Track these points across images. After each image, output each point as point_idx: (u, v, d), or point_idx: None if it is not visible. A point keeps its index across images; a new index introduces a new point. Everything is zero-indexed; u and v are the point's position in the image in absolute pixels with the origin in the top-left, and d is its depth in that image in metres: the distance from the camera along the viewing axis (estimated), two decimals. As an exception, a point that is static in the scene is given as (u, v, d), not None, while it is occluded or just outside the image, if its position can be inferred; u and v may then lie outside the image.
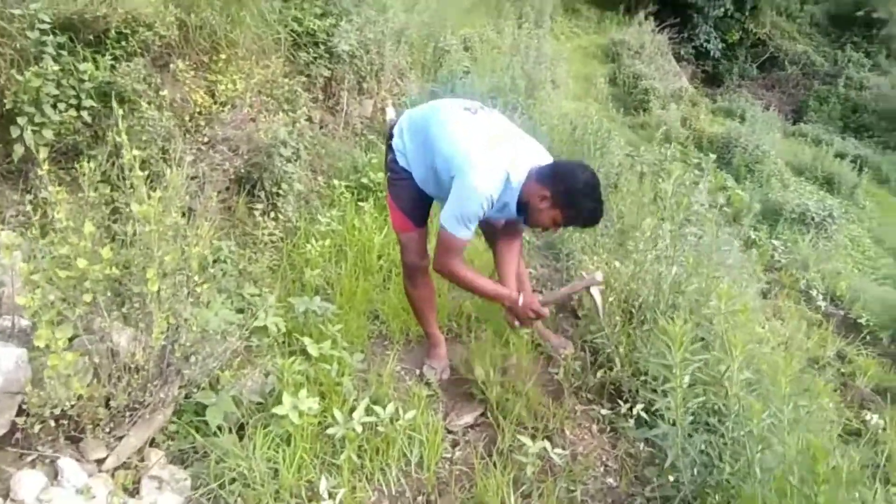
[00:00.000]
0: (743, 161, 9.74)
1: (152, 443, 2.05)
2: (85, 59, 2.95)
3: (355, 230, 3.64)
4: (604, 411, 2.67)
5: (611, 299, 2.93)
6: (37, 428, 1.76)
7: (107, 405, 1.90)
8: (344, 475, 2.11)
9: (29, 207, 2.04)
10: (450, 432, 2.51)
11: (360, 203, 3.93)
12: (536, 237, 4.20)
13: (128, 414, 1.94)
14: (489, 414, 2.56)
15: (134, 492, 1.90)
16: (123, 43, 3.11)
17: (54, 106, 2.71)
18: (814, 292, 6.07)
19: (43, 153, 1.80)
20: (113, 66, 3.01)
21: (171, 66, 3.36)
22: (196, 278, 2.09)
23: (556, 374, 2.81)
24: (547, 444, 2.28)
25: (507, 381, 2.61)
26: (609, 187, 4.78)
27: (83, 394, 1.79)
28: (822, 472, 1.57)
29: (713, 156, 6.18)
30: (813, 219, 8.13)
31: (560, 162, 2.51)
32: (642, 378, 2.60)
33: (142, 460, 1.98)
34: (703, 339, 2.40)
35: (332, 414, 2.23)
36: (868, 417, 3.28)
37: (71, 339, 1.80)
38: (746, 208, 6.90)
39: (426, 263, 2.68)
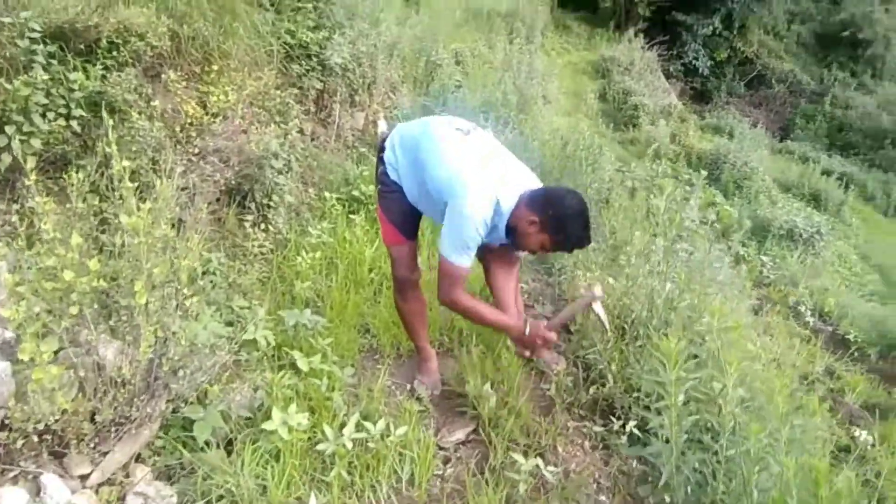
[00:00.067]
0: (731, 177, 9.86)
1: (138, 458, 2.01)
2: (75, 69, 2.93)
3: (346, 243, 3.62)
4: (596, 428, 2.65)
5: (604, 315, 2.92)
6: (20, 443, 1.73)
7: (92, 420, 1.87)
8: (334, 492, 2.08)
9: (15, 217, 2.02)
10: (441, 449, 2.48)
11: (351, 215, 3.92)
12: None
13: (113, 429, 1.90)
14: (481, 430, 2.54)
15: (118, 509, 1.85)
16: (115, 53, 3.10)
17: (43, 115, 2.67)
18: (802, 308, 6.11)
19: (31, 163, 1.79)
20: (104, 76, 2.99)
21: (163, 76, 3.34)
22: (185, 291, 2.06)
23: (548, 389, 2.79)
24: (539, 461, 2.26)
25: (500, 397, 2.59)
26: (600, 202, 4.80)
27: (68, 408, 1.76)
28: (823, 495, 1.55)
29: (704, 172, 6.23)
30: (801, 235, 8.21)
31: (550, 188, 2.52)
32: (635, 394, 2.58)
33: (127, 476, 1.94)
34: (696, 356, 2.39)
35: (322, 429, 2.19)
36: (857, 434, 3.29)
37: (56, 352, 1.77)
38: (736, 224, 6.96)
39: (417, 277, 2.67)
